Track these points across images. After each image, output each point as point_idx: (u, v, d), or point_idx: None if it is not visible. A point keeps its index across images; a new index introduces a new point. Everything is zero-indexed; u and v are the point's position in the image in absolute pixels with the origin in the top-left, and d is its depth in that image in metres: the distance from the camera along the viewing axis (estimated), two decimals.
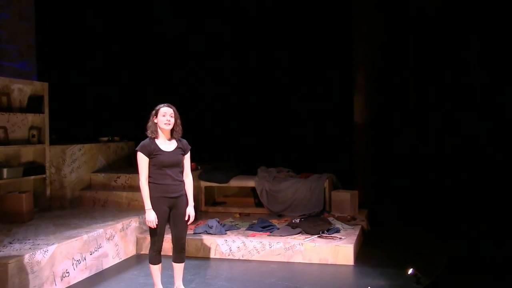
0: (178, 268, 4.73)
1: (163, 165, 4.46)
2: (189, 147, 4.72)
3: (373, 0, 8.87)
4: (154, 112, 4.55)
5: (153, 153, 4.45)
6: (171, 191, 4.51)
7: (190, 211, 4.67)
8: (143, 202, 4.49)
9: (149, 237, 4.67)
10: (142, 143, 4.52)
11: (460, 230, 7.39)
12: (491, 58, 8.63)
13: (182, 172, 4.66)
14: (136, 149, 4.53)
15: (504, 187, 8.31)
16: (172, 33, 10.08)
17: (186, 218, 4.64)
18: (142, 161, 4.46)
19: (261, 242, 6.06)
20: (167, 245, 5.20)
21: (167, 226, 4.64)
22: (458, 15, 8.76)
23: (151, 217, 4.43)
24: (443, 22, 8.88)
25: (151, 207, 4.45)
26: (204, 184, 8.30)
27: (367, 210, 7.86)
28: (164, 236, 4.65)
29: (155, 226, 4.47)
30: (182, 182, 4.64)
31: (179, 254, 4.67)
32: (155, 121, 4.53)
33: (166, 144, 4.54)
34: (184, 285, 4.82)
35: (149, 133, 4.53)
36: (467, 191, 8.50)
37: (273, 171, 8.41)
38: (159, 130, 4.53)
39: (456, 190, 8.58)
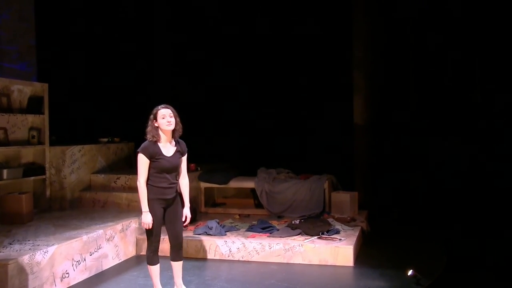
0: (178, 267, 4.73)
1: (164, 170, 4.47)
2: (187, 149, 4.72)
3: (373, 1, 8.88)
4: (152, 116, 4.50)
5: (155, 156, 4.44)
6: (167, 193, 4.53)
7: (187, 212, 4.70)
8: (139, 203, 4.50)
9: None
10: (144, 145, 4.49)
11: (459, 230, 7.40)
12: (492, 59, 8.62)
13: (178, 174, 4.67)
14: (138, 150, 4.50)
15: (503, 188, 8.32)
16: (169, 31, 10.10)
17: (184, 219, 4.67)
18: (143, 162, 4.44)
19: (260, 243, 6.06)
20: (165, 245, 5.19)
21: (164, 226, 4.66)
22: (458, 14, 8.76)
23: (148, 219, 4.44)
24: (443, 22, 8.88)
25: (148, 210, 4.45)
26: (203, 185, 8.30)
27: (367, 211, 7.87)
28: (161, 236, 4.66)
29: (150, 228, 4.47)
30: (177, 183, 4.66)
31: (178, 252, 4.67)
32: (156, 124, 4.48)
33: (167, 148, 4.53)
34: (184, 285, 4.82)
35: (149, 137, 4.48)
36: (467, 191, 8.50)
37: (273, 172, 8.41)
38: (160, 133, 4.50)
39: (456, 190, 8.58)
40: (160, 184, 4.46)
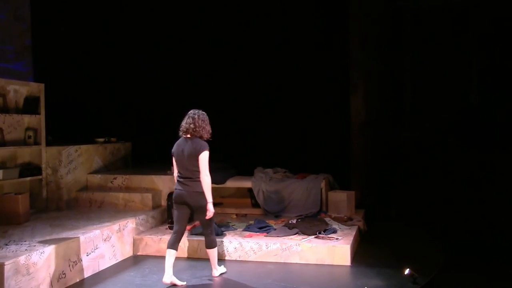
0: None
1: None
2: None
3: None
4: (207, 121, 5.34)
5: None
6: None
7: None
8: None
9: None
10: (206, 145, 5.17)
11: (456, 230, 7.41)
12: (490, 58, 8.62)
13: None
14: (205, 150, 5.14)
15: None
16: (168, 32, 10.08)
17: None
18: (208, 159, 5.13)
19: (257, 243, 6.06)
20: (163, 245, 5.20)
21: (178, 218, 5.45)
22: (454, 12, 8.76)
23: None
24: (440, 20, 8.88)
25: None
26: None
27: (363, 211, 7.87)
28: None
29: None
30: None
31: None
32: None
33: None
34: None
35: (208, 137, 5.26)
36: (465, 191, 8.51)
37: (269, 171, 8.40)
38: None
39: (454, 190, 8.58)
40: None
